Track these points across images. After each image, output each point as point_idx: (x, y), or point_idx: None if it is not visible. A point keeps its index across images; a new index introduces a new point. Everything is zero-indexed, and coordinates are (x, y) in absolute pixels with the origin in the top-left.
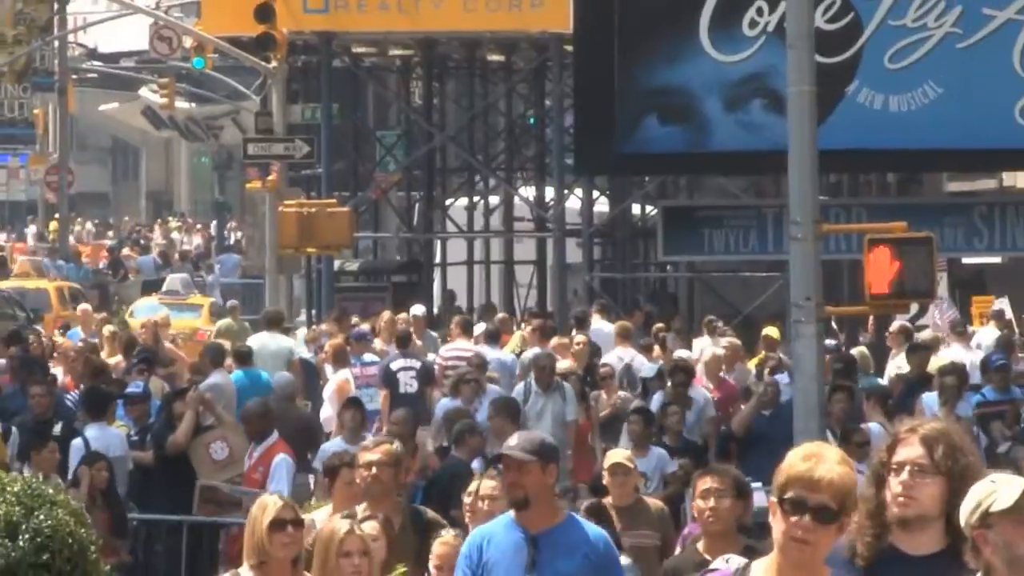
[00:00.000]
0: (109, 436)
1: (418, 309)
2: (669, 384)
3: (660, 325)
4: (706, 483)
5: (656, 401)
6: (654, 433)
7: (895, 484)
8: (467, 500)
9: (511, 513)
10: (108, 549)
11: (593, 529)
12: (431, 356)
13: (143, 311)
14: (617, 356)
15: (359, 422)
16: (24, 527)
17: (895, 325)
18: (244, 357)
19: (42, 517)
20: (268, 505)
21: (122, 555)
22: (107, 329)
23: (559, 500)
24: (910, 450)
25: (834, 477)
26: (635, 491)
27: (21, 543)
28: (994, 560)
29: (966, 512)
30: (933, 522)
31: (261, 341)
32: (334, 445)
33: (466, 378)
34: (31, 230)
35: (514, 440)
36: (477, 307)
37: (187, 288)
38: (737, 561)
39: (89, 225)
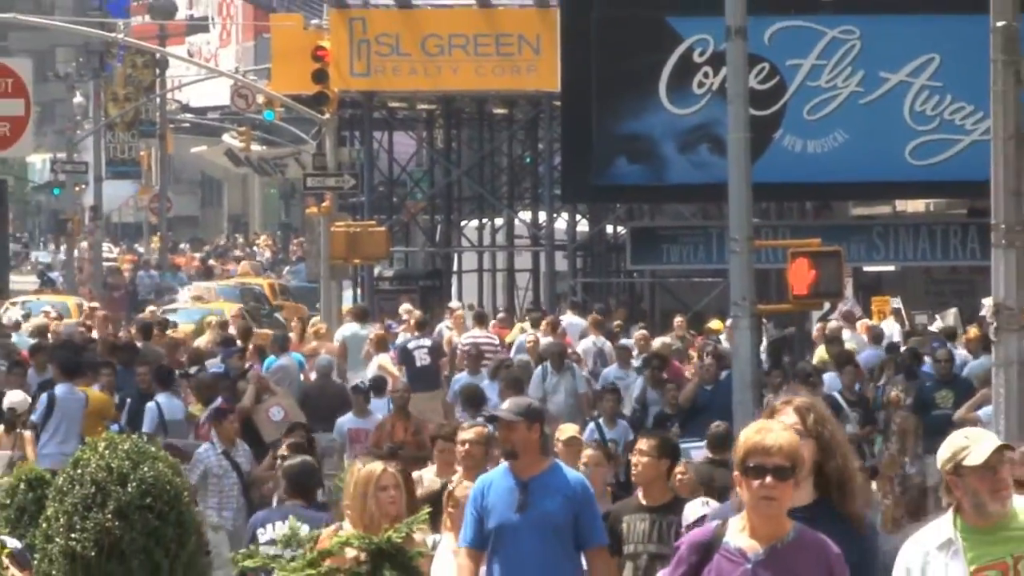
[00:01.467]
0: (173, 404)
1: (454, 303)
2: (647, 370)
3: (642, 324)
4: (639, 444)
5: (638, 386)
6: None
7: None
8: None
9: (505, 464)
10: None
11: (573, 474)
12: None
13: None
14: (591, 341)
15: (363, 404)
16: (132, 477)
17: (821, 324)
18: (285, 343)
19: (146, 469)
20: (376, 471)
21: None
22: (211, 318)
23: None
24: (786, 417)
25: (783, 442)
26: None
27: (130, 489)
28: (964, 501)
29: (942, 459)
30: (806, 478)
31: (352, 330)
32: (347, 420)
33: (505, 363)
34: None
35: (505, 404)
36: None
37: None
38: (714, 508)
39: (183, 243)
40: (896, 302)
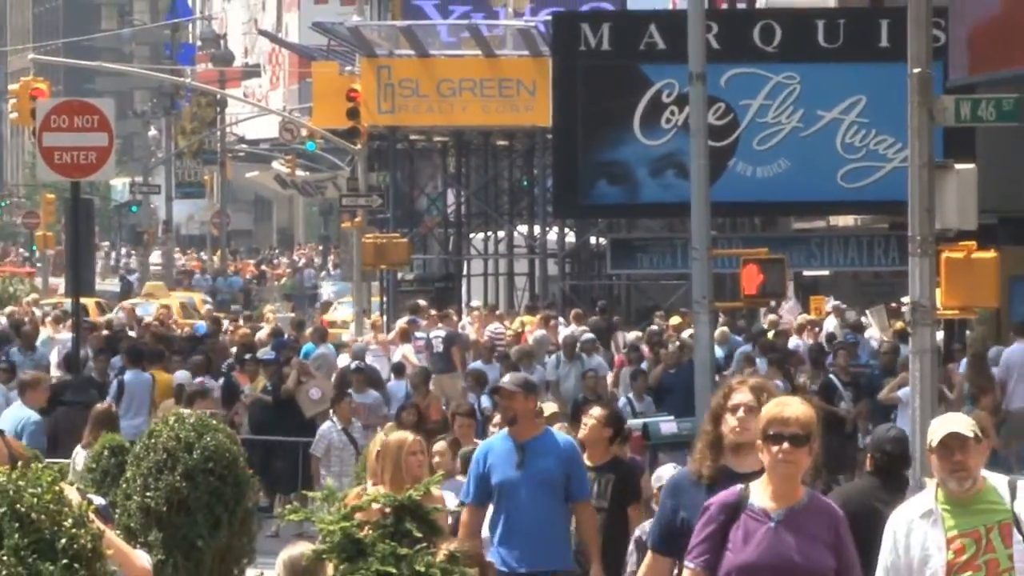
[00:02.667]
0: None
1: (475, 302)
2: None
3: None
4: (592, 411)
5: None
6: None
7: (732, 420)
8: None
9: (506, 429)
10: None
11: (564, 438)
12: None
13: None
14: (571, 330)
15: (363, 382)
16: (197, 445)
17: (771, 318)
18: (324, 335)
19: (208, 438)
20: (407, 439)
21: None
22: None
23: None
24: (742, 395)
25: (799, 414)
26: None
27: (195, 456)
28: (936, 474)
29: (928, 439)
30: (755, 448)
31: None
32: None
33: (524, 351)
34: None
35: (507, 378)
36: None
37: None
38: (680, 470)
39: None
40: (831, 301)
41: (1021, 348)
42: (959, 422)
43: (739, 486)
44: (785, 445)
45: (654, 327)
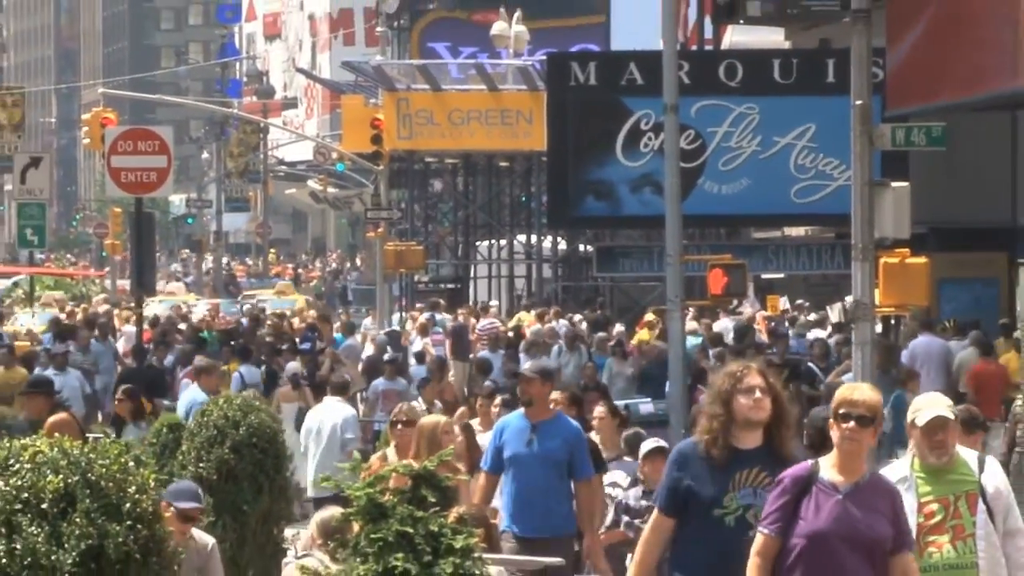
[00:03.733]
0: (252, 372)
1: (493, 302)
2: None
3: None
4: (531, 366)
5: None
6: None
7: (748, 400)
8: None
9: (522, 409)
10: None
11: (571, 423)
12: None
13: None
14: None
15: (393, 371)
16: (242, 423)
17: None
18: (352, 328)
19: (252, 417)
20: (440, 421)
21: None
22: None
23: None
24: (754, 379)
25: (867, 398)
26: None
27: (241, 432)
28: (916, 448)
29: (909, 415)
30: (762, 426)
31: (440, 316)
32: (380, 383)
33: (532, 342)
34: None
35: (528, 364)
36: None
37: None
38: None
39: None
40: (784, 300)
41: (926, 340)
42: (943, 405)
43: (809, 461)
44: (852, 424)
45: (618, 333)
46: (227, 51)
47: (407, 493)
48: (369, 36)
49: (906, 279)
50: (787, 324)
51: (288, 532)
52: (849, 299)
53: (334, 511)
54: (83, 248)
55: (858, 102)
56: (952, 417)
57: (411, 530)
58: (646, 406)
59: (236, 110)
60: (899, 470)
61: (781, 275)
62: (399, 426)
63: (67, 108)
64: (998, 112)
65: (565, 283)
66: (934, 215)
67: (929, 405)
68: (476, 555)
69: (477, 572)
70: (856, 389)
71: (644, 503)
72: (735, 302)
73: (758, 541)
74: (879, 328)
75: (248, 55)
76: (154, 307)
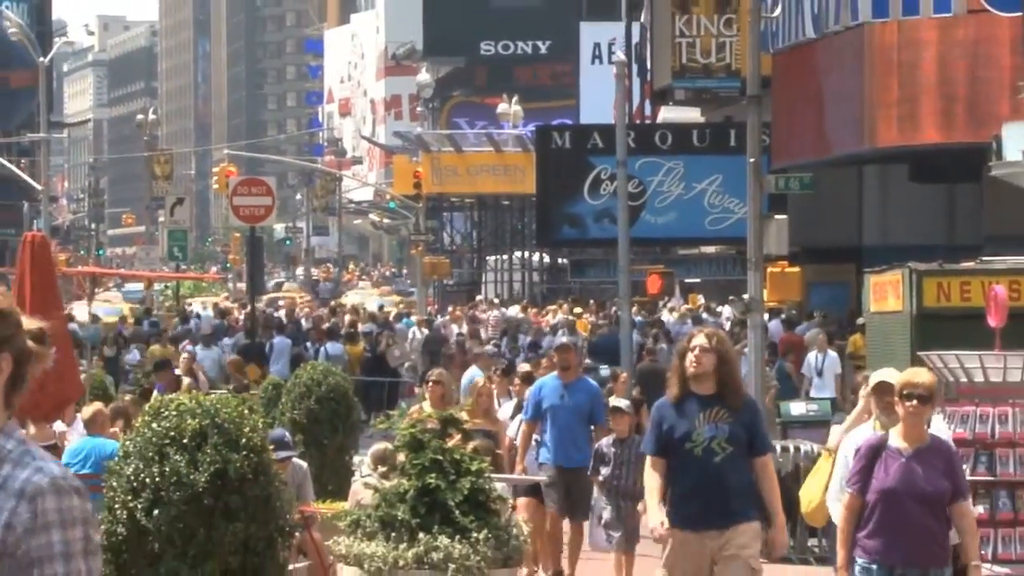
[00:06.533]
0: (336, 347)
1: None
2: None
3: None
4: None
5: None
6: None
7: (691, 356)
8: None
9: (556, 372)
10: None
11: (592, 383)
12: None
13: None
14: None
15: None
16: (323, 383)
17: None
18: (400, 317)
19: (330, 379)
20: (479, 383)
21: None
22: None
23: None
24: (699, 340)
25: (925, 380)
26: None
27: (322, 389)
28: (874, 409)
29: (870, 381)
30: (710, 377)
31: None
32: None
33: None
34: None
35: (565, 338)
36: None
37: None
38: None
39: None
40: (701, 297)
41: (776, 323)
42: (891, 374)
43: (880, 432)
44: (915, 402)
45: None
46: (313, 124)
47: (438, 431)
48: (412, 114)
49: (785, 282)
50: (703, 312)
51: (356, 459)
52: (746, 296)
53: (385, 445)
54: (212, 261)
55: (752, 160)
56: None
57: (441, 457)
58: (604, 370)
59: (319, 165)
60: (865, 431)
61: (698, 280)
62: (430, 384)
63: (202, 164)
64: (848, 166)
65: (549, 286)
66: (804, 238)
67: (878, 374)
68: (486, 475)
69: (486, 487)
70: (917, 374)
71: (614, 450)
72: (666, 298)
73: (845, 499)
74: (767, 317)
75: (328, 127)
76: (266, 302)
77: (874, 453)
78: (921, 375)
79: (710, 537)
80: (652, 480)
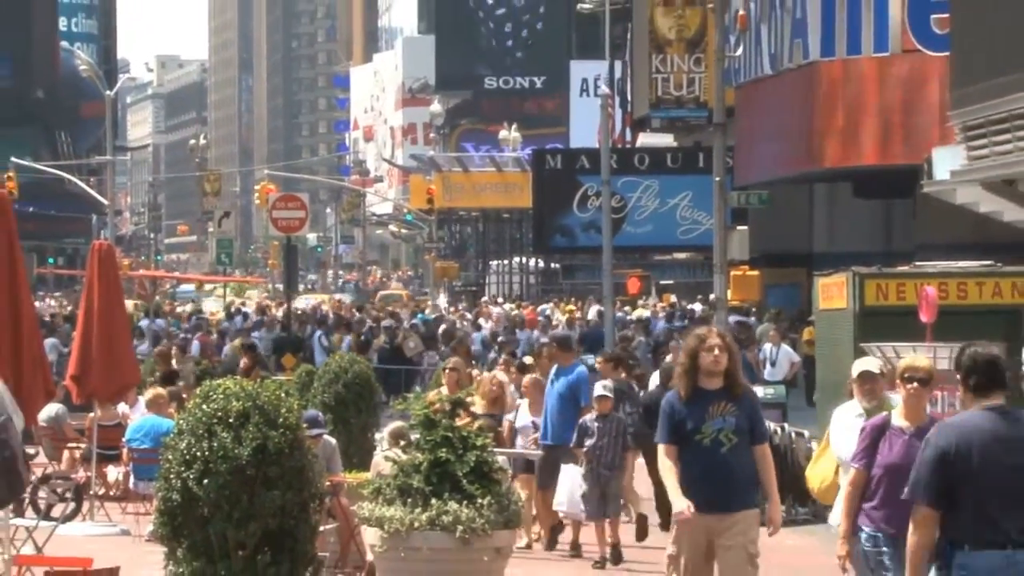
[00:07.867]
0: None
1: (500, 299)
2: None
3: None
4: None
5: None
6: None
7: (711, 356)
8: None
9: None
10: None
11: (580, 368)
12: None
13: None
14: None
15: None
16: (349, 370)
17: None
18: (415, 314)
19: (355, 367)
20: (489, 376)
21: None
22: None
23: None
24: (715, 340)
25: (926, 365)
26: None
27: (349, 375)
28: (856, 395)
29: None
30: (721, 372)
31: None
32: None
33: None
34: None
35: (564, 332)
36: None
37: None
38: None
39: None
40: (673, 296)
41: (734, 319)
42: (872, 363)
43: (884, 413)
44: (915, 384)
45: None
46: (341, 148)
47: (448, 412)
48: (426, 139)
49: (746, 284)
50: (675, 310)
51: (377, 436)
52: (712, 296)
53: (401, 423)
54: (254, 266)
55: (717, 179)
56: (877, 372)
57: (450, 434)
58: (589, 358)
59: (346, 183)
60: (855, 409)
61: (672, 281)
62: (447, 371)
63: (246, 182)
64: (800, 184)
65: (544, 287)
66: (762, 246)
67: (860, 364)
68: (489, 449)
69: (489, 459)
70: (917, 359)
71: (597, 424)
72: (644, 297)
73: (850, 474)
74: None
75: (354, 151)
76: (300, 301)
77: (878, 432)
78: (921, 361)
79: (715, 520)
80: (668, 467)
